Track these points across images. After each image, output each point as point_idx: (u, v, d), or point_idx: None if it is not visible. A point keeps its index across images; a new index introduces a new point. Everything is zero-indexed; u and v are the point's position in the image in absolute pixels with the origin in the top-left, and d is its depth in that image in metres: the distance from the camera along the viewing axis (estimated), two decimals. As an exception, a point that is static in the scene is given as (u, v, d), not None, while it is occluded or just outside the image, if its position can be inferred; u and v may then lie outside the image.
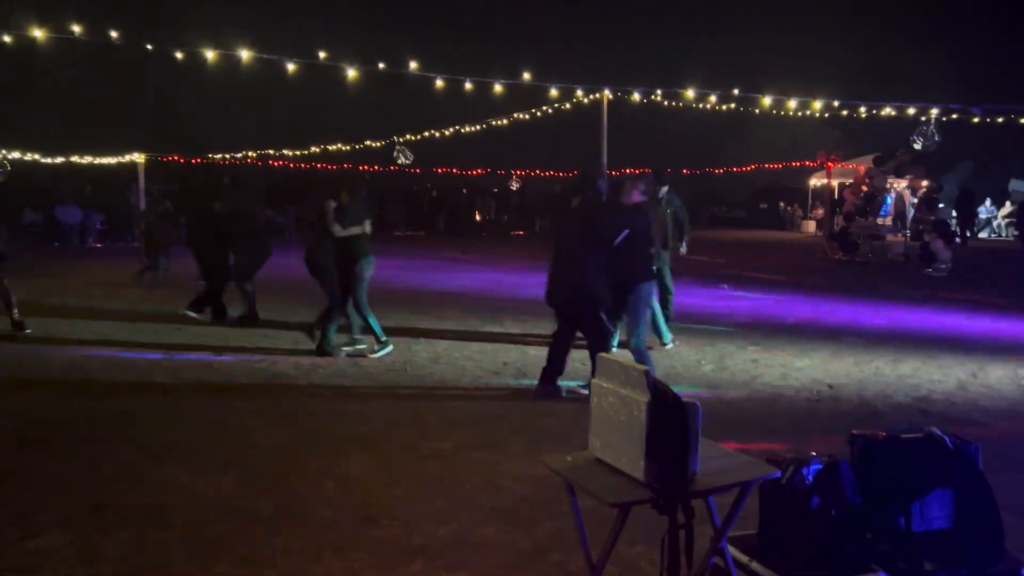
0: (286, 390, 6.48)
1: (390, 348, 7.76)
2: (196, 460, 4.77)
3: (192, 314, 9.51)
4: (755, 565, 2.93)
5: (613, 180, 6.60)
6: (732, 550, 2.97)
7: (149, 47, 10.02)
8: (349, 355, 7.69)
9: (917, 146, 16.95)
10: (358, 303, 7.62)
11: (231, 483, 4.41)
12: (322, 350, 7.67)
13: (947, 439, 3.13)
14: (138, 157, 18.13)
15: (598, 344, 6.02)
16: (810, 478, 2.93)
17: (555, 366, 6.25)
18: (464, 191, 33.75)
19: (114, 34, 9.65)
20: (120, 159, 19.22)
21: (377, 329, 7.71)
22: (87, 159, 20.26)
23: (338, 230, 7.46)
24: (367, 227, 7.65)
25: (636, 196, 6.26)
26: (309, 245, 7.78)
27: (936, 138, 16.79)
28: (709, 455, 2.59)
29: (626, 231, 6.02)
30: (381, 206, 33.21)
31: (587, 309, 6.07)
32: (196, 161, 21.83)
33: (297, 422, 5.58)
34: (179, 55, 10.21)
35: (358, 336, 7.85)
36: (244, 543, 3.66)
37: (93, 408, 5.93)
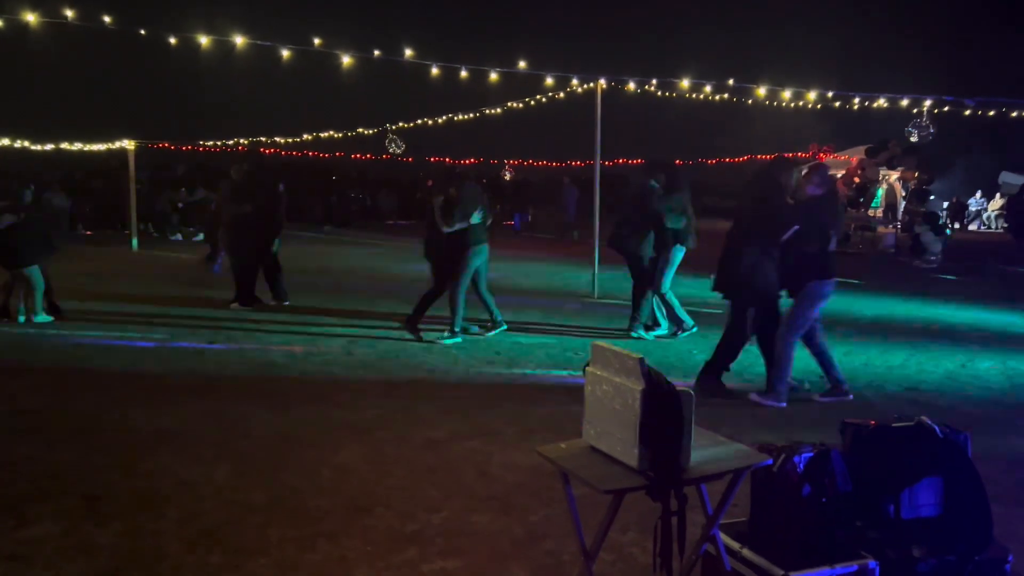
0: (279, 379, 6.48)
1: (458, 340, 7.90)
2: (189, 449, 4.77)
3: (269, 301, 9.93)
4: (746, 552, 2.96)
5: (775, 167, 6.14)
6: (724, 537, 3.00)
7: (142, 32, 9.93)
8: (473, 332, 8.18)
9: (914, 139, 17.00)
10: (455, 288, 7.86)
11: (225, 472, 4.41)
12: (412, 325, 8.01)
13: (937, 428, 3.16)
14: (128, 144, 18.02)
15: (734, 339, 5.99)
16: (801, 466, 2.96)
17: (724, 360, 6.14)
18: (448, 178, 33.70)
19: (107, 19, 9.56)
20: (110, 145, 19.09)
21: (459, 319, 7.94)
22: (77, 146, 20.11)
23: (445, 228, 7.69)
24: (476, 218, 7.78)
25: (812, 189, 5.96)
26: (426, 235, 8.06)
27: (931, 130, 16.85)
28: (702, 443, 2.61)
29: (795, 227, 5.77)
30: (373, 195, 33.19)
31: (748, 302, 5.96)
32: (186, 148, 21.71)
33: (290, 411, 5.58)
34: (172, 40, 10.13)
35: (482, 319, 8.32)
36: (238, 532, 3.67)
37: (85, 397, 5.92)
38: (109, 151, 19.73)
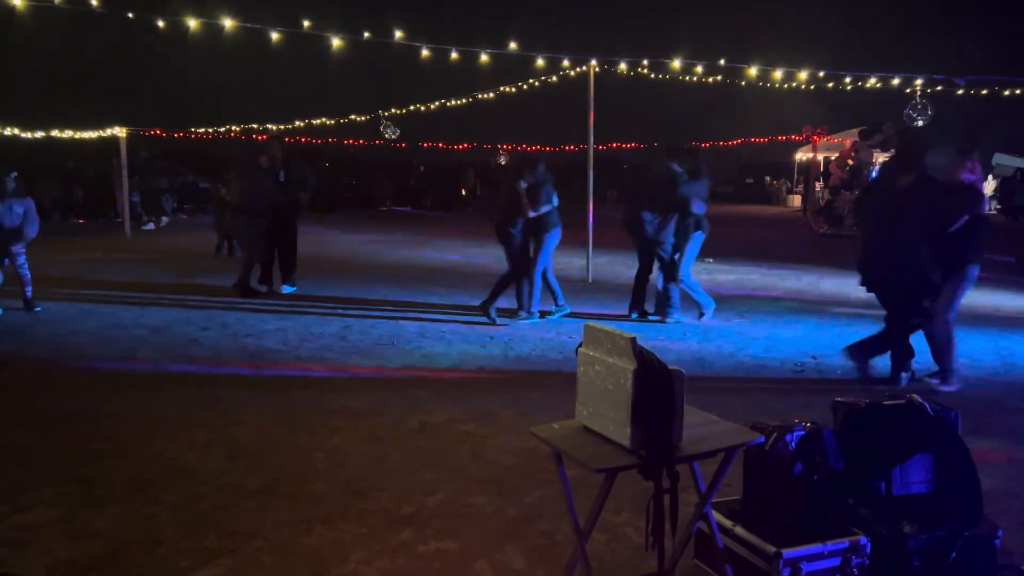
0: (274, 365, 6.48)
1: (535, 320, 8.07)
2: (184, 435, 4.78)
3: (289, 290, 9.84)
4: (739, 530, 2.99)
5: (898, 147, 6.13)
6: (716, 515, 3.02)
7: (130, 15, 9.84)
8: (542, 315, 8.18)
9: (919, 123, 16.92)
10: (532, 269, 7.99)
11: (220, 457, 4.42)
12: (485, 310, 8.11)
13: (927, 405, 3.18)
14: (120, 131, 17.91)
15: (898, 331, 5.93)
16: (793, 444, 2.99)
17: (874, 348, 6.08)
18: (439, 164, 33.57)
19: (94, 1, 9.46)
20: (101, 133, 18.96)
21: (536, 300, 8.09)
22: (68, 133, 19.97)
23: (532, 212, 7.78)
24: (555, 200, 7.95)
25: (966, 176, 5.85)
26: (500, 219, 8.06)
27: (929, 111, 16.79)
28: (694, 422, 2.62)
29: (965, 216, 5.69)
30: (368, 181, 33.07)
31: (910, 292, 5.83)
32: (179, 135, 21.57)
33: (285, 397, 5.59)
34: (161, 24, 10.04)
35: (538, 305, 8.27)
36: (233, 517, 3.68)
37: (79, 384, 5.91)
38: (101, 139, 19.59)
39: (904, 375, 5.96)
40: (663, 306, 8.19)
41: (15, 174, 8.51)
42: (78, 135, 19.99)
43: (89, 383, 5.94)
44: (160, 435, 4.78)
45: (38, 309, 8.52)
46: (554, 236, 7.99)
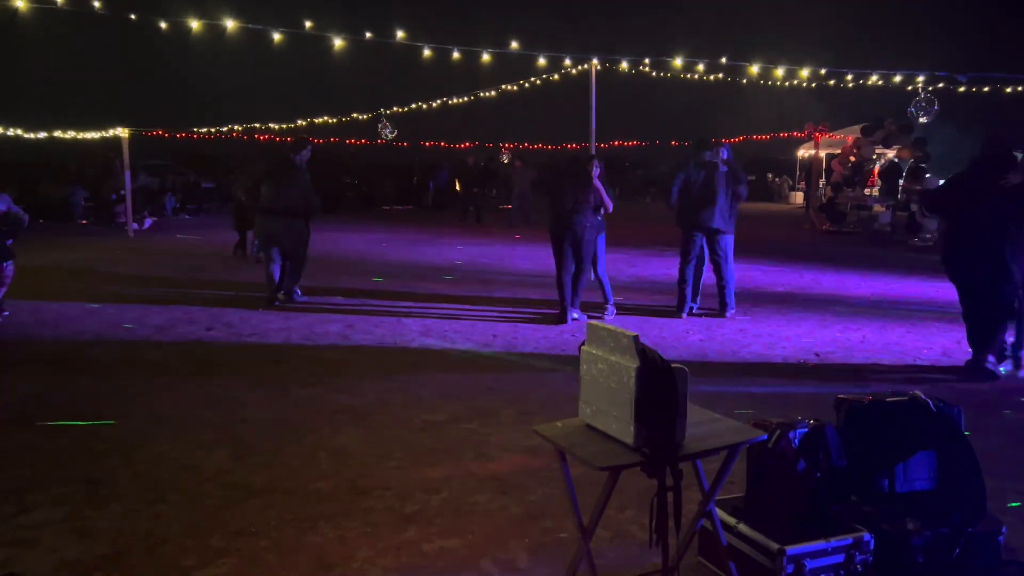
0: (277, 364, 6.49)
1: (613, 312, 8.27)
2: (189, 435, 4.79)
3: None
4: (742, 527, 2.99)
5: None
6: (720, 512, 3.02)
7: (132, 16, 9.85)
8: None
9: (923, 119, 16.86)
10: (598, 267, 8.16)
11: (224, 457, 4.43)
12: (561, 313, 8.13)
13: (930, 402, 3.19)
14: (122, 132, 17.93)
15: (991, 325, 5.98)
16: (796, 442, 2.99)
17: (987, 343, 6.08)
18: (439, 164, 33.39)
19: (96, 3, 9.47)
20: (103, 134, 18.98)
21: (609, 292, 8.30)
22: (70, 134, 19.99)
23: (611, 207, 7.89)
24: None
25: None
26: (572, 216, 7.99)
27: (935, 106, 16.72)
28: (697, 420, 2.62)
29: None
30: (368, 180, 33.03)
31: (996, 286, 5.91)
32: (181, 135, 21.59)
33: (289, 396, 5.60)
34: (163, 25, 10.05)
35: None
36: (238, 516, 3.69)
37: (83, 384, 5.93)
38: (103, 139, 19.61)
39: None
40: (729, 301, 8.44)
41: None
42: (80, 135, 20.00)
43: (92, 383, 5.96)
44: (164, 434, 4.79)
45: (6, 312, 8.37)
46: (602, 233, 8.14)
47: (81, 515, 3.71)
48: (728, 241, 8.17)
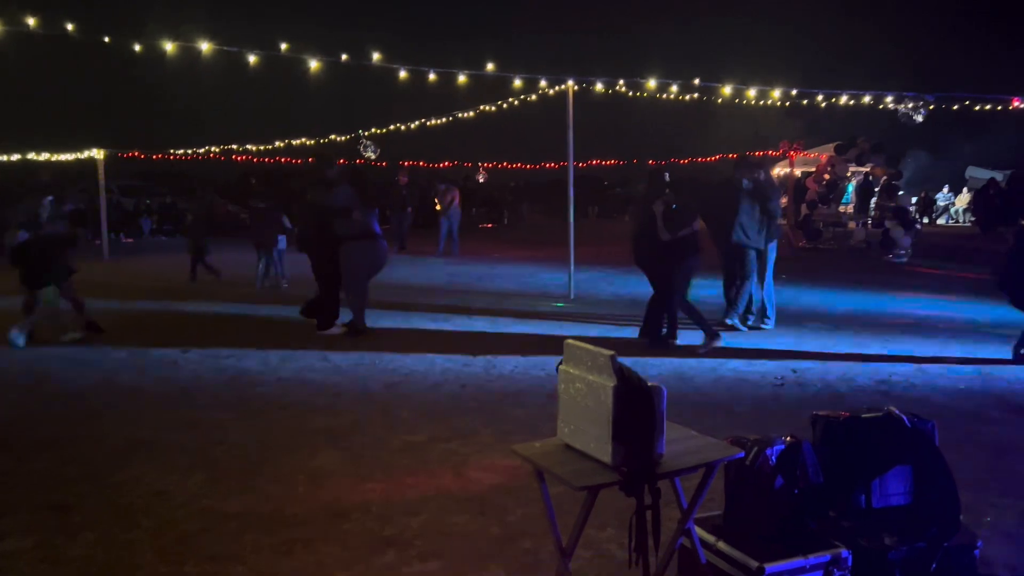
0: (254, 386, 6.42)
1: (718, 342, 7.75)
2: (163, 459, 4.72)
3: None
4: (721, 545, 2.99)
5: None
6: (699, 530, 3.02)
7: (106, 39, 9.80)
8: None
9: (917, 119, 17.07)
10: (682, 295, 7.80)
11: (199, 481, 4.37)
12: (656, 339, 7.85)
13: (904, 417, 3.21)
14: (97, 153, 17.79)
15: None
16: (773, 459, 3.00)
17: None
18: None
19: (69, 27, 9.42)
20: (78, 155, 18.83)
21: (704, 318, 7.80)
22: (44, 155, 19.80)
23: (666, 235, 7.52)
24: (695, 226, 7.66)
25: None
26: (636, 242, 7.90)
27: (922, 109, 16.97)
28: (675, 438, 2.63)
29: None
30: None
31: None
32: (157, 156, 21.47)
33: (266, 418, 5.54)
34: (137, 48, 10.00)
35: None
36: (213, 541, 3.64)
37: (56, 408, 5.83)
38: (78, 160, 19.45)
39: None
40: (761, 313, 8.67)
41: None
42: (55, 158, 19.82)
43: (65, 408, 5.86)
44: (138, 459, 4.72)
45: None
46: (694, 261, 7.69)
47: (52, 543, 3.63)
48: (749, 256, 8.40)
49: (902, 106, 16.23)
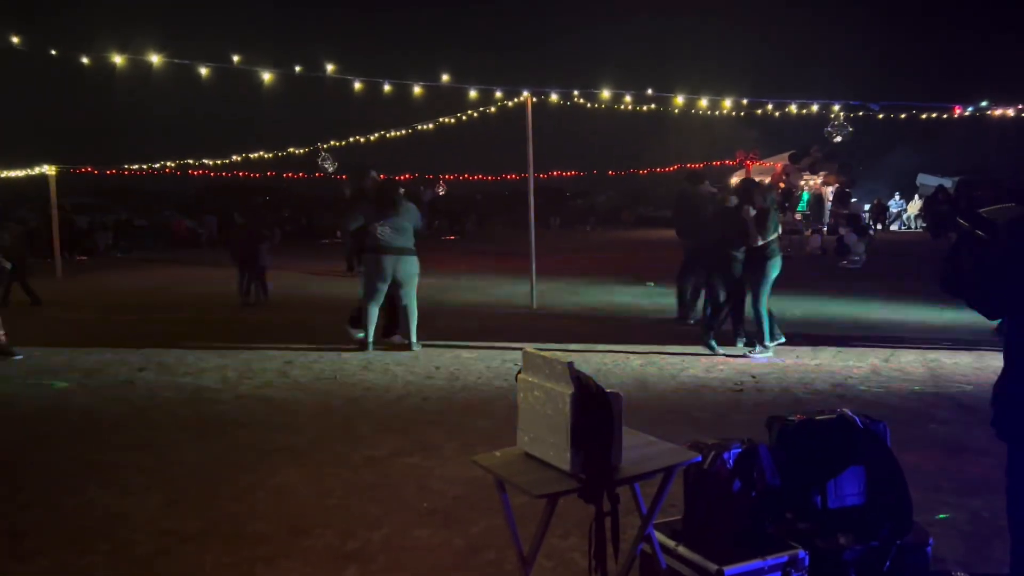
0: (213, 404, 6.33)
1: (770, 354, 7.73)
2: (119, 481, 4.62)
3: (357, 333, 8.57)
4: (682, 549, 3.02)
5: None
6: (659, 535, 3.05)
7: (53, 52, 9.61)
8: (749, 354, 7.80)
9: (837, 139, 17.56)
10: (758, 301, 7.75)
11: (157, 502, 4.29)
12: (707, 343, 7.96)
13: (857, 419, 3.29)
14: (49, 169, 17.41)
15: None
16: (731, 462, 3.05)
17: None
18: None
19: (15, 40, 9.22)
20: (29, 172, 18.39)
21: (767, 330, 7.79)
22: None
23: (760, 240, 7.59)
24: (779, 229, 7.84)
25: None
26: (721, 245, 7.90)
27: (849, 128, 17.45)
28: (633, 444, 2.66)
29: None
30: (308, 214, 32.67)
31: None
32: (111, 172, 21.08)
33: (225, 436, 5.46)
34: (85, 60, 9.81)
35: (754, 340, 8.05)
36: (172, 562, 3.57)
37: (6, 433, 5.68)
38: (28, 177, 19.00)
39: None
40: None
41: None
42: (4, 174, 19.34)
43: (15, 433, 5.71)
44: (93, 482, 4.61)
45: None
46: (776, 265, 7.75)
47: (5, 570, 3.53)
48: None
49: (827, 128, 16.68)
